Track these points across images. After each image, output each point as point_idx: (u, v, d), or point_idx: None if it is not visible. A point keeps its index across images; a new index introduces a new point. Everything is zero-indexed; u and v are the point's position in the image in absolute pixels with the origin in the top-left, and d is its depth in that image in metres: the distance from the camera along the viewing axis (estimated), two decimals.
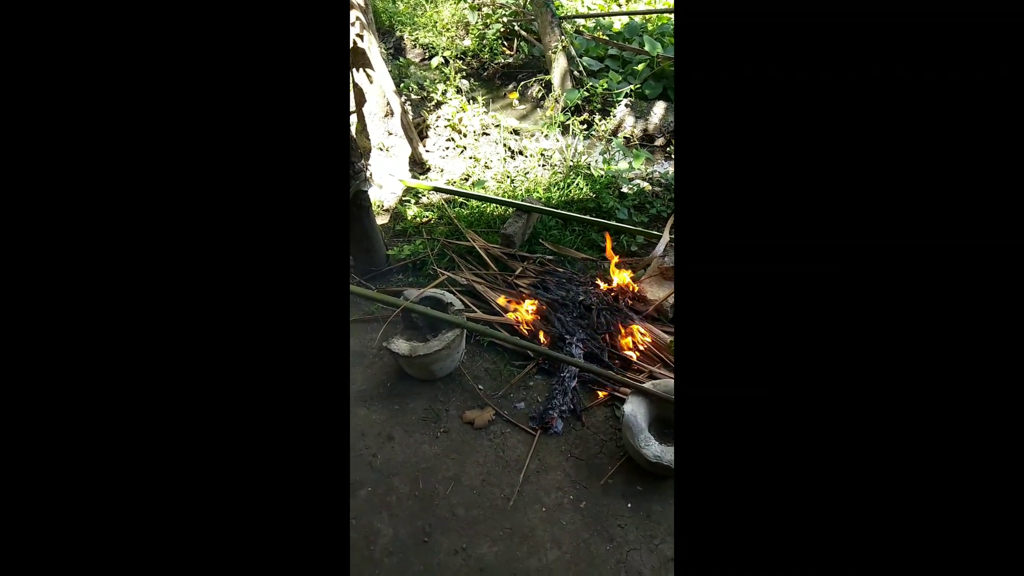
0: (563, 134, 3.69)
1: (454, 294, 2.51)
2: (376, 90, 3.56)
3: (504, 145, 3.77)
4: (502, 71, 4.67)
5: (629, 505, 1.91)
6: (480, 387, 2.33)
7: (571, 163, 3.40)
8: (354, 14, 3.18)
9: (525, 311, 2.47)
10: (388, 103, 3.56)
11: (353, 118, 3.72)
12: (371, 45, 3.30)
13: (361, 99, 3.63)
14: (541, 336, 2.42)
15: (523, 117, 4.23)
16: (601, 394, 2.25)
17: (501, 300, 2.57)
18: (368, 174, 2.58)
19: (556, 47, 3.99)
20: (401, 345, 2.24)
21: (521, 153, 3.74)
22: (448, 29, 4.78)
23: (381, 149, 3.68)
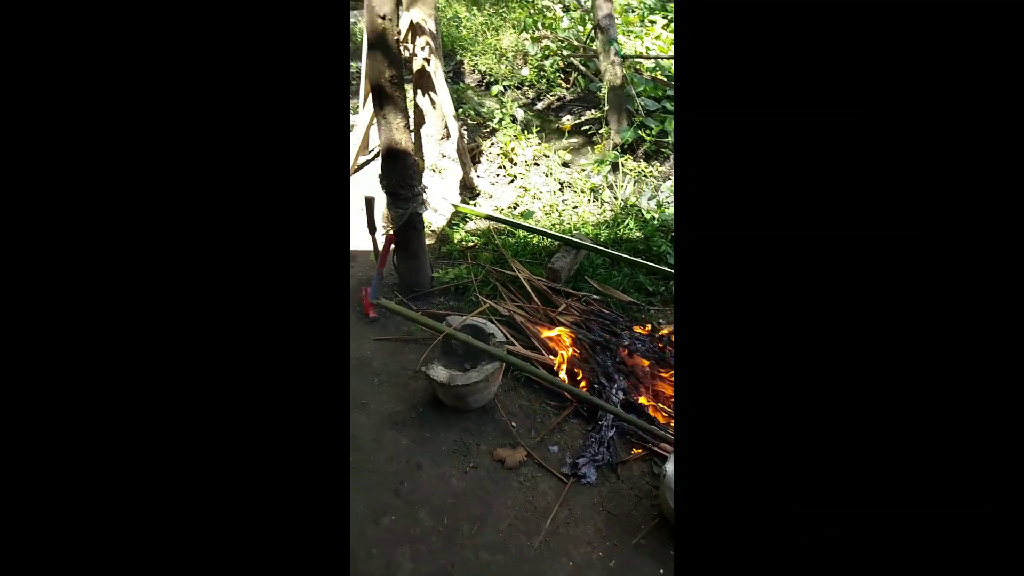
0: (613, 172, 3.68)
1: (495, 324, 2.48)
2: (436, 113, 3.63)
3: (555, 178, 3.77)
4: (557, 103, 4.72)
5: (661, 571, 1.81)
6: (513, 424, 2.28)
7: (621, 202, 3.37)
8: (424, 39, 3.27)
9: (564, 357, 2.41)
10: (446, 126, 3.61)
11: (411, 137, 3.79)
12: (437, 70, 3.37)
13: (420, 120, 3.70)
14: (579, 377, 2.36)
15: (575, 151, 4.24)
16: (636, 451, 2.16)
17: (543, 334, 2.53)
18: (424, 198, 2.61)
19: (614, 84, 4.00)
20: (440, 372, 2.21)
21: (570, 187, 3.74)
22: (508, 58, 4.87)
23: (434, 171, 3.73)
